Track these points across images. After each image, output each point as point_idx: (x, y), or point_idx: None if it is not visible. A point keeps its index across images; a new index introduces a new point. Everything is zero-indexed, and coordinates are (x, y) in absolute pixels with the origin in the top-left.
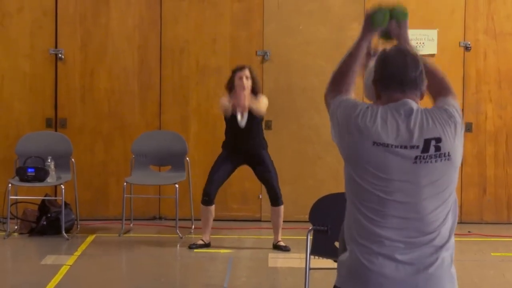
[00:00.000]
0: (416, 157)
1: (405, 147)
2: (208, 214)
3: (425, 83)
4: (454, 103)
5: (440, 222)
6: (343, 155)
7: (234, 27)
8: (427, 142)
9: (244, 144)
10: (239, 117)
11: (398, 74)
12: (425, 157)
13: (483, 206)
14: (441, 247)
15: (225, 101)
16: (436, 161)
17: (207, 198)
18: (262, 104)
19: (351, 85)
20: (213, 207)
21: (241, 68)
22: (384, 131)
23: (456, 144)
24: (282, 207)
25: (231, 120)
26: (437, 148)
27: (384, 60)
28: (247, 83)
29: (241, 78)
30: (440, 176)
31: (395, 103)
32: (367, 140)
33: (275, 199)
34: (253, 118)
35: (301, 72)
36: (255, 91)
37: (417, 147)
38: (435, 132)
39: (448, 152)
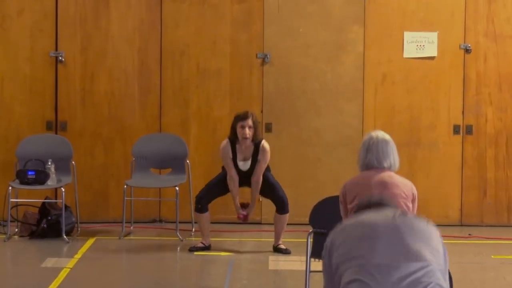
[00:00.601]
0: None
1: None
2: (203, 220)
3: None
4: None
5: None
6: None
7: (234, 29)
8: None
9: (247, 180)
10: (240, 164)
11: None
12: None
13: (483, 208)
14: None
15: (225, 151)
16: None
17: (200, 206)
18: (266, 162)
19: None
20: (208, 214)
21: (243, 118)
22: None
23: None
24: (287, 215)
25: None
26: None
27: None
28: (249, 133)
29: (243, 127)
30: None
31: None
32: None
33: (282, 207)
34: (255, 163)
35: (301, 75)
36: (256, 137)
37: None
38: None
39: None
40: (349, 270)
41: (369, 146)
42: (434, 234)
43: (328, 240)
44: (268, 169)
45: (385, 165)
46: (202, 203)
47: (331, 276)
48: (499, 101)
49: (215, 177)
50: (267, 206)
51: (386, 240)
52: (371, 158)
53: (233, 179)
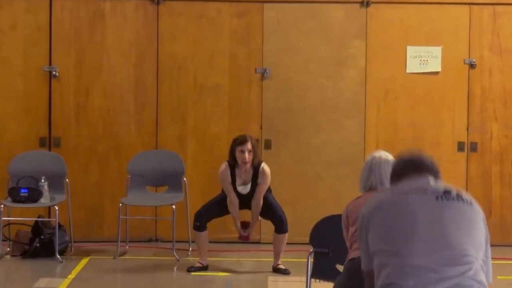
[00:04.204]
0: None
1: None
2: (201, 239)
3: None
4: None
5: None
6: None
7: (233, 44)
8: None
9: (247, 203)
10: (240, 189)
11: None
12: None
13: (488, 228)
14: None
15: (224, 176)
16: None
17: (199, 224)
18: (266, 185)
19: None
20: (206, 232)
21: (242, 142)
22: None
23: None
24: (286, 235)
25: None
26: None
27: None
28: (249, 157)
29: (243, 152)
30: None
31: None
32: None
33: (281, 227)
34: (256, 185)
35: (301, 90)
36: (255, 161)
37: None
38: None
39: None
40: (384, 270)
41: (371, 167)
42: (478, 220)
43: (365, 214)
44: (269, 190)
45: (388, 186)
46: (201, 221)
47: (366, 248)
48: (504, 118)
49: (216, 197)
50: (266, 226)
51: (426, 233)
52: (373, 180)
53: (233, 203)
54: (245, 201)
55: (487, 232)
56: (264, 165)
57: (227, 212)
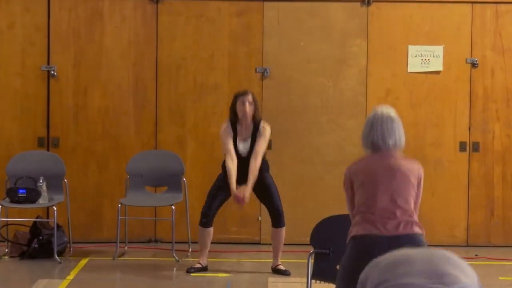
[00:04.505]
0: None
1: None
2: (206, 236)
3: None
4: None
5: None
6: None
7: (232, 43)
8: None
9: (246, 168)
10: (240, 147)
11: None
12: None
13: (490, 228)
14: None
15: (226, 131)
16: None
17: (205, 220)
18: (265, 140)
19: None
20: (211, 229)
21: (243, 94)
22: None
23: None
24: (284, 229)
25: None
26: None
27: None
28: (249, 109)
29: (243, 104)
30: None
31: None
32: None
33: (278, 220)
34: (254, 145)
35: (302, 90)
36: (256, 117)
37: None
38: None
39: None
40: None
41: (373, 123)
42: None
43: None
44: (266, 167)
45: (390, 142)
46: (207, 218)
47: None
48: (507, 117)
49: (213, 186)
50: (266, 227)
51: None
52: (375, 136)
53: (232, 159)
54: (245, 162)
55: None
56: (264, 122)
57: (229, 194)
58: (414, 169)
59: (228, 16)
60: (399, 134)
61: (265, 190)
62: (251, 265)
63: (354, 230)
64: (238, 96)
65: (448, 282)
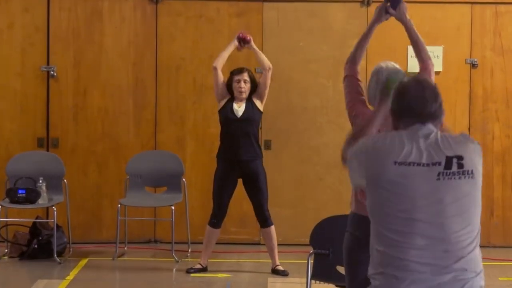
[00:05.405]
0: (439, 174)
1: (428, 164)
2: (212, 236)
3: (444, 113)
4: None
5: (467, 244)
6: (365, 177)
7: None
8: (449, 159)
9: (240, 151)
10: (235, 106)
11: (416, 107)
12: (448, 173)
13: (490, 229)
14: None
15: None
16: (459, 178)
17: (215, 221)
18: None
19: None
20: (219, 231)
21: (239, 72)
22: (404, 150)
23: (478, 163)
24: (272, 227)
25: (226, 111)
26: (460, 166)
27: (403, 94)
28: (245, 87)
29: (239, 81)
30: (464, 195)
31: (413, 127)
32: (386, 159)
33: (264, 221)
34: (251, 109)
35: (301, 91)
36: (256, 92)
37: (439, 163)
38: (457, 150)
39: (472, 170)
40: (375, 257)
41: (378, 77)
42: (475, 193)
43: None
44: (260, 154)
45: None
46: (217, 218)
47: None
48: (506, 118)
49: (216, 188)
50: None
51: (426, 219)
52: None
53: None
54: (239, 141)
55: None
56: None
57: (233, 189)
58: None
59: (228, 16)
60: None
61: (256, 188)
62: (250, 265)
63: (355, 207)
64: (234, 74)
65: (448, 254)
